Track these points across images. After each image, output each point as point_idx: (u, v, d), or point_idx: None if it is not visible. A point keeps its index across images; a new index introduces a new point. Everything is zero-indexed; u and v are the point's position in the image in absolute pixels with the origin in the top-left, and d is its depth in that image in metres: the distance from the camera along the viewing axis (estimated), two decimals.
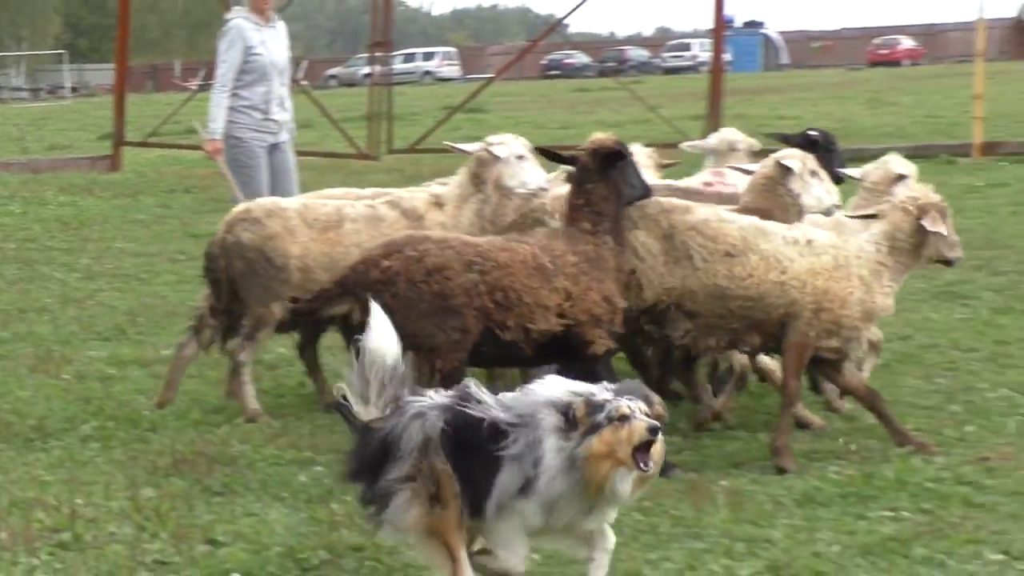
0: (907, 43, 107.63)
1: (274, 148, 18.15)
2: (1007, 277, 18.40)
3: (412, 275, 10.64)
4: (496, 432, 7.69)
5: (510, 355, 11.29)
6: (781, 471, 10.67)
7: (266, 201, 13.23)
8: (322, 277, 12.00)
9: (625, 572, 8.53)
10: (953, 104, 41.06)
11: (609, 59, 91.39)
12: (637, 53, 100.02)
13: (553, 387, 7.70)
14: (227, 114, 17.95)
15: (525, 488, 7.55)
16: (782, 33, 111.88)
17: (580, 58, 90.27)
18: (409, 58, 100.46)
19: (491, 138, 13.26)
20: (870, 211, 11.92)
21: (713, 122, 23.99)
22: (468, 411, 7.86)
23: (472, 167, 13.00)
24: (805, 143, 13.16)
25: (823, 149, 13.19)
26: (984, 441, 11.00)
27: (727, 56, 38.58)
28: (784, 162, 12.19)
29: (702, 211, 11.46)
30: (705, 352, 11.75)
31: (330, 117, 34.44)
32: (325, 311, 11.30)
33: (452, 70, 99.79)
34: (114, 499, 10.25)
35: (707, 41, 35.47)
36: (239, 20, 18.52)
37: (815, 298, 11.00)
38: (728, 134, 14.16)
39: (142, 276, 20.91)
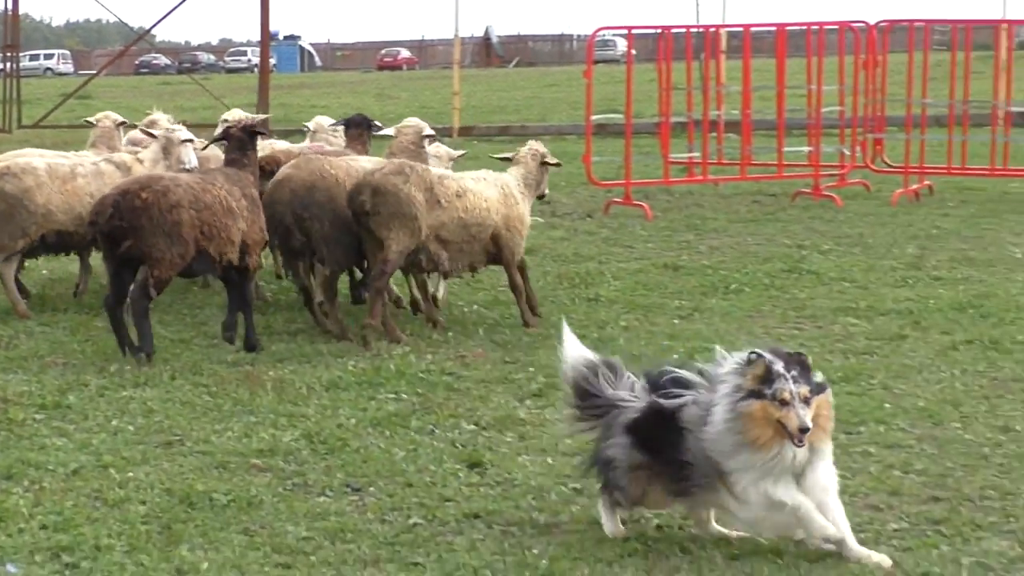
0: (405, 53, 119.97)
1: None
2: None
3: (161, 205, 12.19)
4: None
5: (206, 271, 13.45)
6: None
7: (21, 160, 14.96)
8: (61, 219, 14.38)
9: (196, 440, 9.92)
10: (439, 99, 43.31)
11: (185, 61, 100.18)
12: (206, 57, 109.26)
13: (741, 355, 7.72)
14: None
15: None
16: (314, 44, 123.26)
17: (163, 60, 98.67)
18: (34, 57, 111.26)
19: (171, 126, 16.78)
20: (509, 156, 14.47)
21: (262, 108, 27.04)
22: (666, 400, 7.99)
23: (162, 142, 15.66)
24: (362, 122, 16.20)
25: (367, 126, 16.07)
26: (462, 344, 12.70)
27: (273, 60, 41.18)
28: (426, 132, 15.38)
29: (436, 171, 13.84)
30: (456, 273, 13.74)
31: None
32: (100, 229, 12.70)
33: (67, 67, 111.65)
34: None
35: (258, 49, 36.85)
36: None
37: (504, 220, 13.32)
38: (320, 120, 17.53)
39: None
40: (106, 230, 12.57)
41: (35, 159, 15.26)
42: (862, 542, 7.89)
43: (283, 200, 13.59)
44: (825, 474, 7.59)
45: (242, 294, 13.29)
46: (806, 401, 7.36)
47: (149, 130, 16.42)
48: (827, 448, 7.59)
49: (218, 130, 15.36)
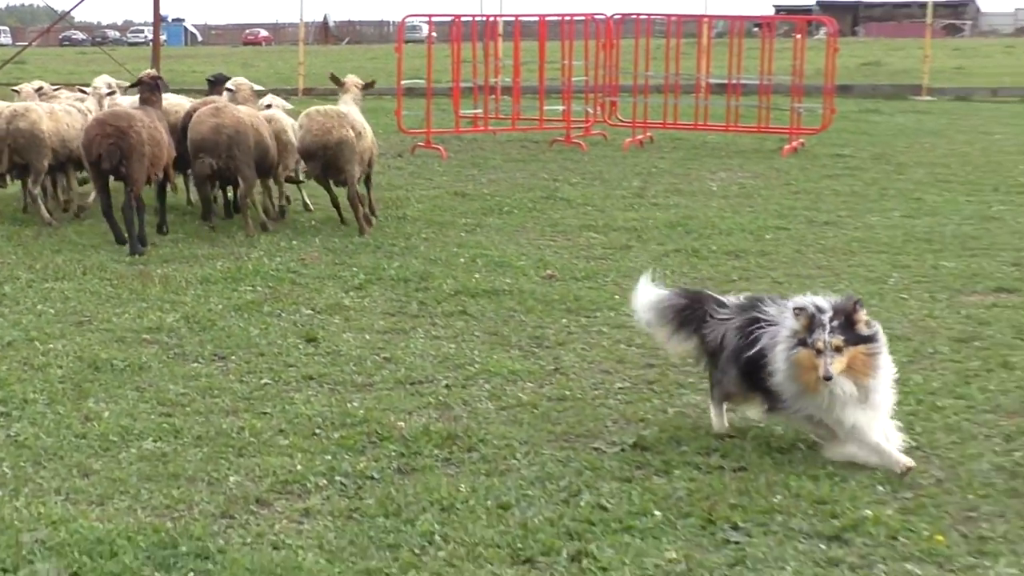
0: (264, 33, 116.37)
1: None
2: None
3: (141, 134, 12.74)
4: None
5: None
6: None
7: (20, 105, 14.59)
8: (56, 145, 14.42)
9: (101, 320, 9.87)
10: (289, 67, 42.46)
11: (97, 36, 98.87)
12: (113, 33, 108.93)
13: (806, 298, 7.04)
14: None
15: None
16: (195, 25, 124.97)
17: (80, 35, 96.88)
18: None
19: (99, 80, 16.32)
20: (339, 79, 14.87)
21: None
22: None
23: (97, 96, 15.67)
24: (218, 80, 15.83)
25: (222, 82, 15.58)
26: (303, 249, 12.65)
27: (163, 37, 40.52)
28: (255, 88, 15.79)
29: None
30: (344, 184, 13.61)
31: None
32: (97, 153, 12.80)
33: (7, 40, 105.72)
34: None
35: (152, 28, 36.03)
36: None
37: (369, 146, 13.72)
38: (239, 79, 15.89)
39: None
40: (109, 157, 12.60)
41: (32, 103, 14.75)
42: (599, 396, 7.99)
43: (211, 136, 13.38)
44: (876, 406, 6.86)
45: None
46: (838, 350, 6.68)
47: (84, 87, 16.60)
48: (873, 384, 6.79)
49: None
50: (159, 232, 13.61)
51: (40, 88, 16.02)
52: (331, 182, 13.96)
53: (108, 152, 12.63)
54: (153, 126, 13.17)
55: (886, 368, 6.89)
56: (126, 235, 12.91)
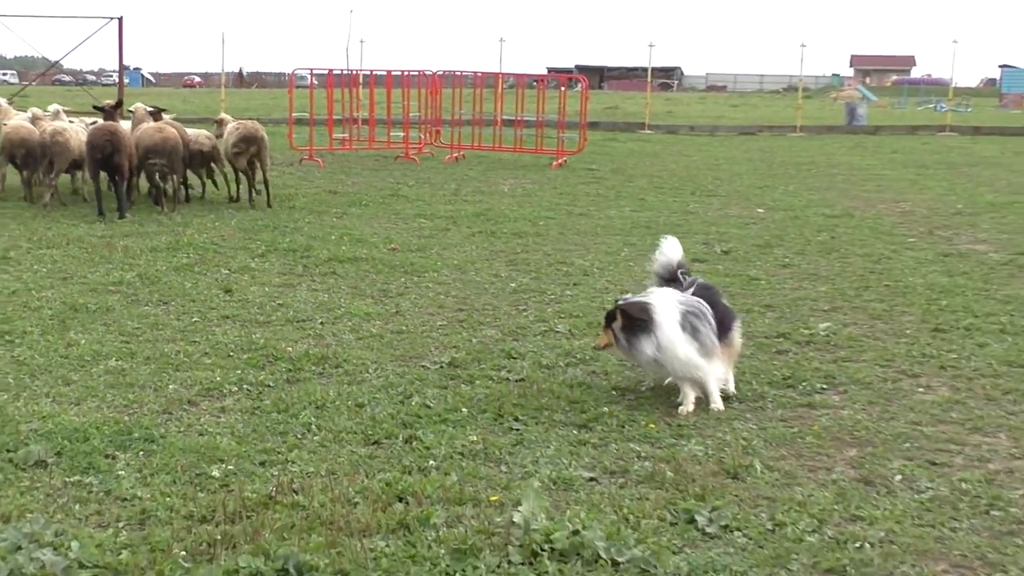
0: (198, 79, 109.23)
1: None
2: None
3: (126, 138, 13.21)
4: None
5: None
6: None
7: (54, 123, 14.37)
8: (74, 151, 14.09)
9: (79, 277, 9.57)
10: (213, 103, 41.97)
11: (80, 79, 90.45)
12: (91, 77, 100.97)
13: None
14: None
15: None
16: (150, 72, 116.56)
17: (67, 78, 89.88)
18: None
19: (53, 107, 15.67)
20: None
21: (114, 106, 24.92)
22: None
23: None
24: (156, 111, 14.98)
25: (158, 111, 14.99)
26: (223, 228, 12.37)
27: (126, 80, 38.75)
28: (148, 109, 14.87)
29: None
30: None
31: None
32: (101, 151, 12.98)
33: (15, 80, 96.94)
34: None
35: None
36: None
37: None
38: (138, 104, 15.30)
39: None
40: (107, 152, 12.88)
41: (62, 123, 14.54)
42: (426, 330, 7.99)
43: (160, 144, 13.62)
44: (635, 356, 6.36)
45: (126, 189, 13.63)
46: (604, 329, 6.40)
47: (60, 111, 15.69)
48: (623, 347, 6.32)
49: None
50: (120, 217, 13.06)
51: (57, 111, 15.57)
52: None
53: (104, 148, 12.90)
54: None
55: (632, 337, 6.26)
56: (103, 211, 13.21)
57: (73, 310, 8.33)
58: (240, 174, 15.02)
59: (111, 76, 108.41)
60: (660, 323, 6.19)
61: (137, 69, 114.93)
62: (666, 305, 6.30)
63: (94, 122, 14.42)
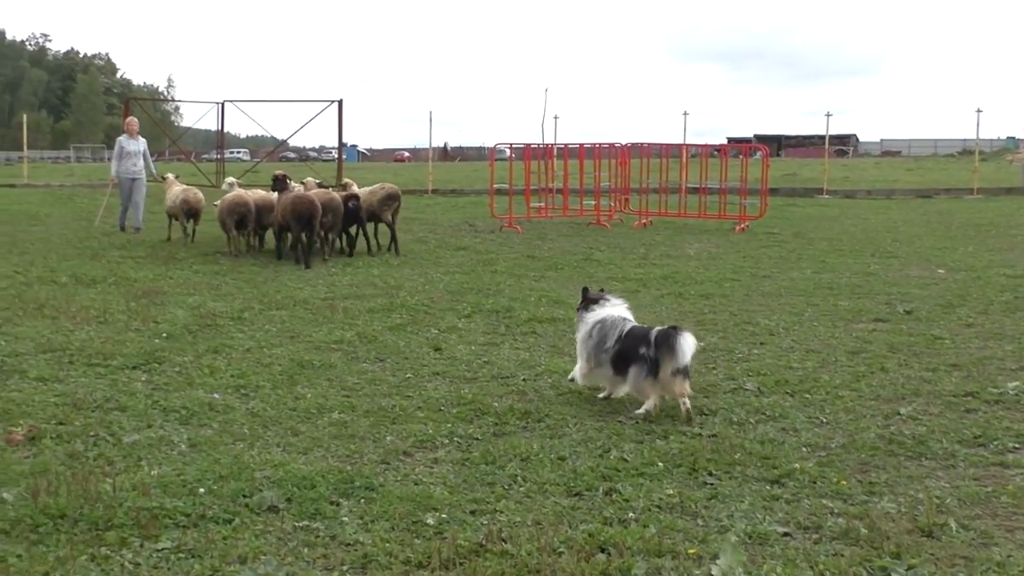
0: (407, 154, 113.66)
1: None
2: None
3: (318, 205, 15.13)
4: None
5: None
6: None
7: (250, 193, 17.00)
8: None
9: (304, 336, 9.74)
10: (421, 175, 43.19)
11: (303, 155, 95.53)
12: (313, 152, 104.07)
13: None
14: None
15: None
16: (366, 148, 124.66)
17: (292, 155, 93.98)
18: (231, 152, 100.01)
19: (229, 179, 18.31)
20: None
21: (339, 179, 26.09)
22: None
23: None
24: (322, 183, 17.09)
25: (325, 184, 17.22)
26: (432, 293, 12.51)
27: (344, 156, 40.95)
28: (317, 182, 17.28)
29: None
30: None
31: None
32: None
33: (247, 157, 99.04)
34: None
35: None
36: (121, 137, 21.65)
37: None
38: (308, 178, 17.37)
39: None
40: (306, 216, 15.19)
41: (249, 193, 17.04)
42: (604, 389, 7.88)
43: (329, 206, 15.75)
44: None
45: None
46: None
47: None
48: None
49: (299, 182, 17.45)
50: (306, 268, 14.86)
51: (232, 183, 18.46)
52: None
53: (304, 213, 15.16)
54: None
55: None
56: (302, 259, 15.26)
57: (300, 366, 8.51)
58: (382, 227, 17.16)
59: (331, 152, 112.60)
60: None
61: (354, 146, 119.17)
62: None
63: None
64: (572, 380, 7.74)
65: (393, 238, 17.10)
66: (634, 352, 7.14)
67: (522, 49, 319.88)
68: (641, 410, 7.09)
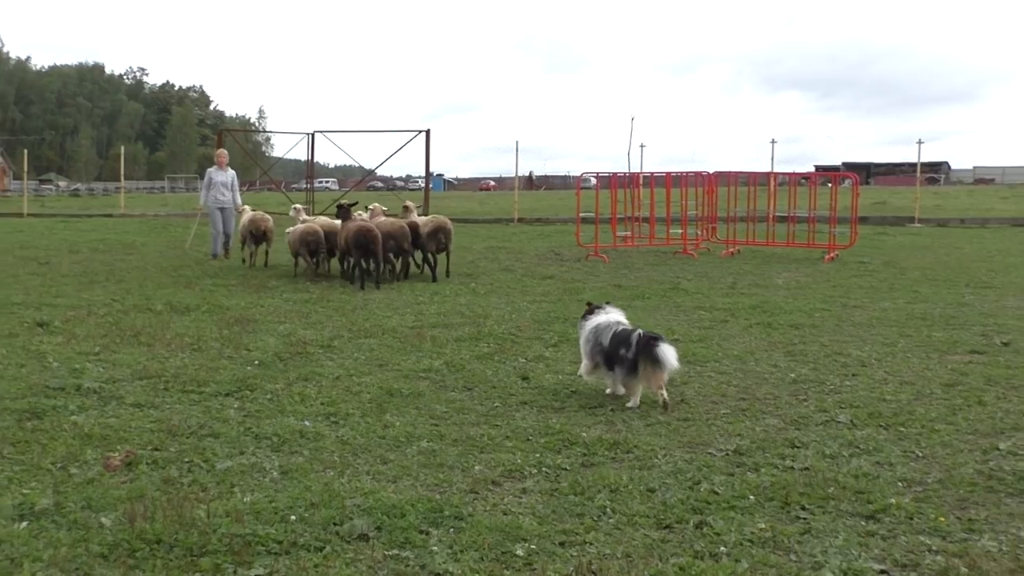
0: (492, 183, 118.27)
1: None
2: None
3: (378, 233, 15.91)
4: None
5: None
6: None
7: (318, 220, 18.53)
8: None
9: (393, 364, 9.80)
10: (506, 203, 43.64)
11: (390, 184, 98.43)
12: (400, 182, 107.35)
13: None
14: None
15: None
16: (451, 177, 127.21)
17: (380, 184, 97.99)
18: (320, 182, 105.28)
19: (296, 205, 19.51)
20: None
21: (425, 208, 26.88)
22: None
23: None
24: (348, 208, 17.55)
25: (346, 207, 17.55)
26: (519, 319, 12.64)
27: (432, 185, 41.02)
28: (382, 208, 18.31)
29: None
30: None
31: None
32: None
33: (335, 186, 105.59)
34: None
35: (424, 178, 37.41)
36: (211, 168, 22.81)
37: None
38: (376, 204, 17.58)
39: None
40: (366, 243, 16.18)
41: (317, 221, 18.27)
42: (710, 418, 7.78)
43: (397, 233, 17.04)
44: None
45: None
46: None
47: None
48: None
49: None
50: (376, 288, 15.94)
51: (299, 209, 20.24)
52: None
53: (364, 242, 16.15)
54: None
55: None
56: (362, 285, 16.20)
57: (389, 394, 8.54)
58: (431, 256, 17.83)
59: (417, 181, 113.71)
60: None
61: (440, 175, 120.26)
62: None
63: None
64: (580, 376, 8.81)
65: (433, 264, 17.74)
66: (616, 353, 8.23)
67: (608, 78, 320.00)
68: (630, 403, 8.19)
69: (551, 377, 9.31)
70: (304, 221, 18.73)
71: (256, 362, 9.84)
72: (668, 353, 7.99)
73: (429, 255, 17.78)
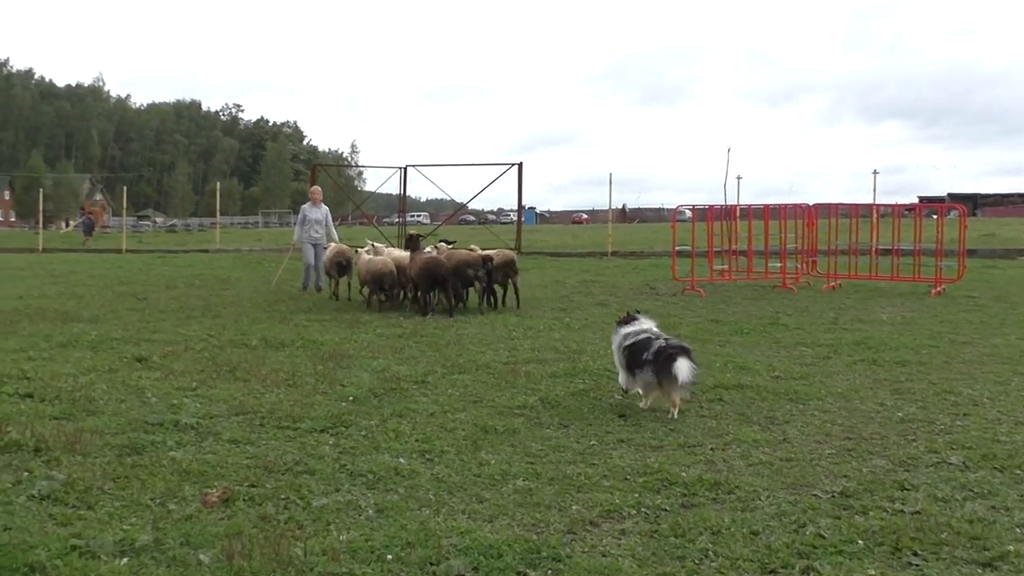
0: (585, 216, 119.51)
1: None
2: None
3: (446, 265, 16.97)
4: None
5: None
6: None
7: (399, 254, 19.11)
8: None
9: (487, 400, 9.82)
10: (601, 236, 43.76)
11: (482, 218, 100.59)
12: (491, 216, 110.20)
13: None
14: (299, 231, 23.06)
15: None
16: (543, 211, 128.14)
17: (471, 218, 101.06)
18: (412, 215, 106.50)
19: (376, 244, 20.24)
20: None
21: (517, 241, 27.16)
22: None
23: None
24: (416, 239, 18.58)
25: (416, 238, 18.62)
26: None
27: (524, 218, 41.44)
28: (447, 244, 19.24)
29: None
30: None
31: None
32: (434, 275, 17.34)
33: (427, 221, 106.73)
34: None
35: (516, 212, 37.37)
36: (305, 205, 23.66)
37: None
38: (440, 243, 17.95)
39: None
40: (438, 274, 17.23)
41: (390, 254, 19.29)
42: (814, 458, 7.64)
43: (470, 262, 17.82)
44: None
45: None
46: None
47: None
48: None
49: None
50: (450, 316, 16.91)
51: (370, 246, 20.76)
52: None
53: (433, 275, 17.23)
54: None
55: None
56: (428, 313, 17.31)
57: (483, 431, 8.53)
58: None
59: (508, 215, 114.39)
60: None
61: (532, 208, 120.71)
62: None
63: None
64: (620, 386, 9.76)
65: (495, 295, 18.69)
66: (638, 359, 9.16)
67: (704, 108, 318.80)
68: (643, 404, 9.36)
69: (648, 415, 9.23)
70: (372, 253, 19.83)
71: (350, 398, 9.92)
72: (684, 368, 8.72)
73: (495, 286, 18.69)
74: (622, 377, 9.58)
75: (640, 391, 9.36)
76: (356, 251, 20.65)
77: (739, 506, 6.49)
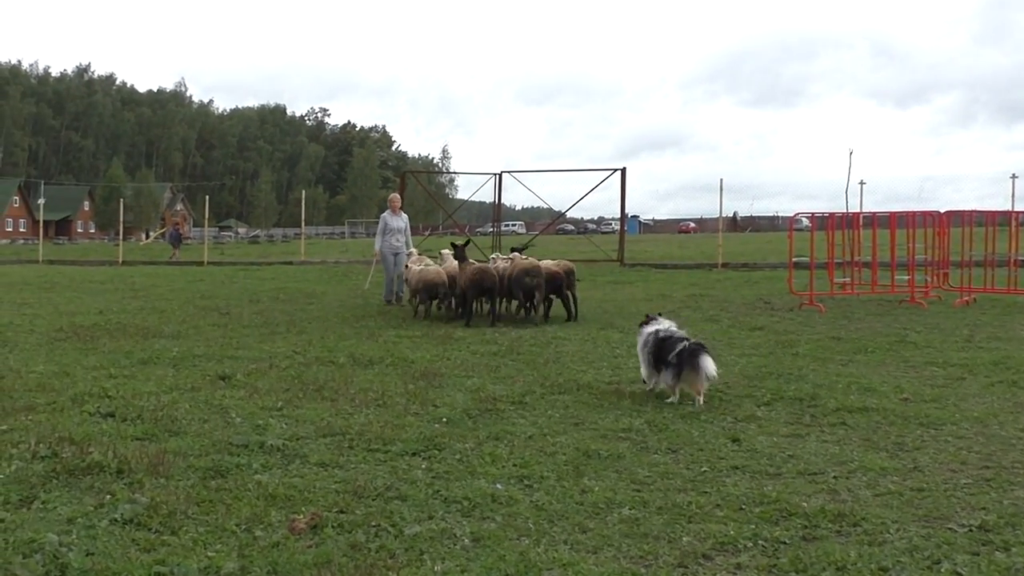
0: (692, 224, 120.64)
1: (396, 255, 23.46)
2: None
3: (495, 275, 18.33)
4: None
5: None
6: None
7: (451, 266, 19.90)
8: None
9: (590, 423, 9.81)
10: (710, 246, 43.51)
11: (581, 228, 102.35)
12: (592, 225, 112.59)
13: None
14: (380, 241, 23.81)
15: None
16: (646, 219, 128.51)
17: (570, 227, 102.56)
18: (507, 225, 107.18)
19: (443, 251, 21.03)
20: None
21: (620, 252, 27.12)
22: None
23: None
24: (463, 247, 19.39)
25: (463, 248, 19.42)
26: (727, 375, 12.83)
27: (626, 227, 41.67)
28: (501, 258, 20.33)
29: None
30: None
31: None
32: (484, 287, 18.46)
33: (522, 230, 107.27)
34: None
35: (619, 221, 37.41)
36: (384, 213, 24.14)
37: None
38: (515, 253, 17.59)
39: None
40: (487, 285, 18.40)
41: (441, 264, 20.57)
42: (949, 489, 7.48)
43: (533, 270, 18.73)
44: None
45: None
46: None
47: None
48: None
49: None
50: (491, 326, 18.04)
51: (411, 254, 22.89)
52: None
53: (482, 285, 18.32)
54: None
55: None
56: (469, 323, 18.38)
57: (586, 456, 8.50)
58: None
59: (610, 224, 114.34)
60: None
61: (635, 217, 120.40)
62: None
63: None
64: (652, 390, 11.11)
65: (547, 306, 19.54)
66: (664, 356, 10.70)
67: (823, 110, 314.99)
68: (669, 399, 10.71)
69: (764, 439, 9.13)
70: (419, 262, 21.01)
71: (444, 419, 9.97)
72: (708, 363, 10.37)
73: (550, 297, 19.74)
74: (645, 372, 11.13)
75: (665, 386, 10.83)
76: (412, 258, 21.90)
77: (866, 540, 6.37)
